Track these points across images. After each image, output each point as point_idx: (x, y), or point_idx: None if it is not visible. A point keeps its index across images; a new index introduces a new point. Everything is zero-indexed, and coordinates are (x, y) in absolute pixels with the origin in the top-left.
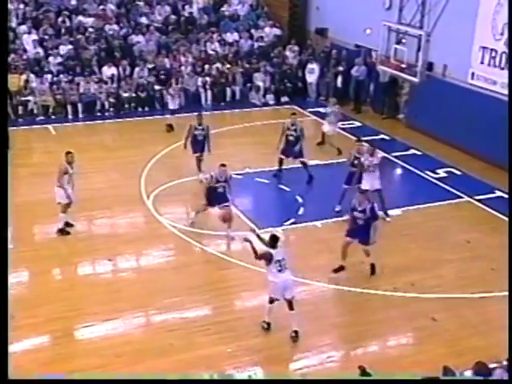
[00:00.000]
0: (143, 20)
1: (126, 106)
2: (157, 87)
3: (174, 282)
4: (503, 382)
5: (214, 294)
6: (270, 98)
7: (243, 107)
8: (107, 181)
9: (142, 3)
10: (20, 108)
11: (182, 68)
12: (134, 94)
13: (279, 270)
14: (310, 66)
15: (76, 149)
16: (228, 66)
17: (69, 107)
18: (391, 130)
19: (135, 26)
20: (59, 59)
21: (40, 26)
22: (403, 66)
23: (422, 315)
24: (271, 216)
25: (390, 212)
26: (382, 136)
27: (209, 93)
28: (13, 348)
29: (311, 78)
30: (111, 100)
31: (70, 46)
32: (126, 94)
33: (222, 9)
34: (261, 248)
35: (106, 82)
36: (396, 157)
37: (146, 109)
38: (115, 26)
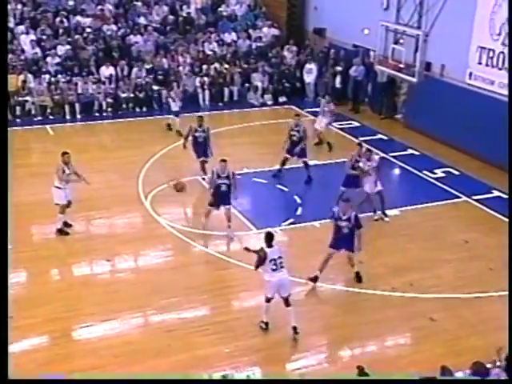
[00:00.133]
0: (141, 20)
1: (124, 106)
2: (155, 87)
3: (172, 282)
4: (501, 382)
5: (212, 294)
6: (268, 98)
7: (241, 107)
8: (105, 181)
9: (139, 3)
10: (18, 108)
11: (180, 68)
12: (131, 95)
13: (274, 269)
14: (308, 66)
15: (74, 149)
16: (226, 66)
17: (67, 107)
18: (389, 130)
19: (133, 27)
20: (57, 59)
21: (38, 26)
22: (401, 66)
23: (420, 315)
24: (269, 216)
25: (388, 212)
26: (380, 136)
27: (207, 93)
28: (11, 348)
29: (309, 78)
30: (109, 100)
31: (68, 47)
32: (124, 95)
33: (220, 9)
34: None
35: (103, 83)
36: (394, 157)
37: (144, 109)
38: (113, 27)
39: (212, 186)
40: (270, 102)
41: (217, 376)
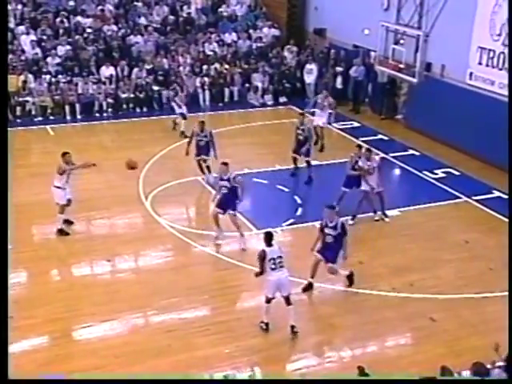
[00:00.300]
0: (141, 20)
1: (125, 106)
2: (155, 88)
3: (173, 282)
4: (501, 382)
5: (213, 294)
6: (269, 98)
7: (241, 108)
8: (106, 181)
9: (140, 4)
10: (18, 109)
11: (181, 68)
12: (132, 95)
13: (273, 269)
14: (308, 66)
15: (74, 149)
16: (226, 66)
17: (67, 108)
18: (390, 131)
19: (133, 27)
20: (57, 60)
21: (38, 26)
22: (401, 66)
23: (421, 315)
24: (270, 216)
25: (388, 212)
26: (381, 136)
27: (207, 93)
28: (11, 348)
29: (309, 78)
30: (109, 100)
31: (69, 47)
32: (124, 95)
33: (221, 9)
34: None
35: (104, 83)
36: (394, 157)
37: (145, 109)
38: (113, 27)
39: (216, 188)
40: (270, 103)
41: (217, 376)
